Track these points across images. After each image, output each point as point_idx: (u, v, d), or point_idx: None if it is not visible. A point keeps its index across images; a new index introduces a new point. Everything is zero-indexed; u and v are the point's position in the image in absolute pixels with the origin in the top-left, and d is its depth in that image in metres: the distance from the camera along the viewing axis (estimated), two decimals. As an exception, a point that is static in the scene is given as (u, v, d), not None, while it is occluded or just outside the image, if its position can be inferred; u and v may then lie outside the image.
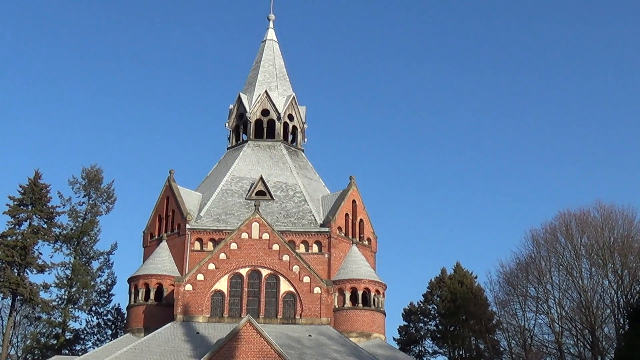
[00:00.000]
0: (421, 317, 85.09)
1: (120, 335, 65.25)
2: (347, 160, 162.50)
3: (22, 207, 71.72)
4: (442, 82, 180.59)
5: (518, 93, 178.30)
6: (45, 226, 72.32)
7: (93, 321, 77.60)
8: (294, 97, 74.55)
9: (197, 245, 60.77)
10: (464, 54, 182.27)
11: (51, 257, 77.98)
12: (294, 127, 74.19)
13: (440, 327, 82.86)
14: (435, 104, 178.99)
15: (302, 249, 60.86)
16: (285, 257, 57.88)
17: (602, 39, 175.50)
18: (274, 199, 64.39)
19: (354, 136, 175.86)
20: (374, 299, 59.92)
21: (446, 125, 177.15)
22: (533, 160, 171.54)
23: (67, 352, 73.43)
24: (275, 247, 58.13)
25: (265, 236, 58.29)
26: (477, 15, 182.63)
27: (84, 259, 77.12)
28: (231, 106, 74.80)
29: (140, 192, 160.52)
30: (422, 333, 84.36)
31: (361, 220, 65.43)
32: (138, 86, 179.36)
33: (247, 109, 72.79)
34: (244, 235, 58.12)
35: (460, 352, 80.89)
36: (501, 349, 76.11)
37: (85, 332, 77.05)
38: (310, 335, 54.01)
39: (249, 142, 71.53)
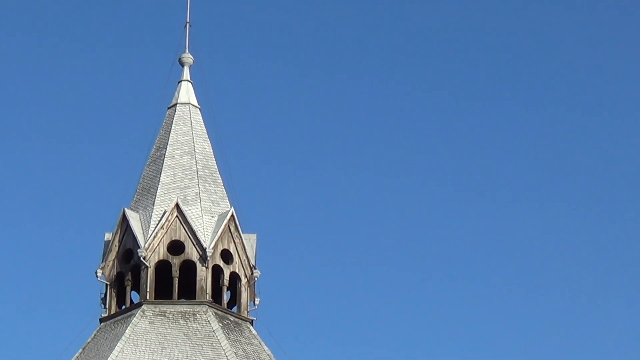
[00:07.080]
0: None
1: None
2: (335, 338, 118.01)
3: None
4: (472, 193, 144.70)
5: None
6: None
7: None
8: (233, 215, 48.11)
9: None
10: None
11: None
12: (234, 276, 47.80)
13: None
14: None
15: None
16: None
17: None
18: (196, 422, 44.62)
19: (343, 286, 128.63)
20: None
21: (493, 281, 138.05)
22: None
23: None
24: None
25: None
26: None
27: None
28: (107, 236, 48.75)
29: None
30: None
31: None
32: None
33: (141, 241, 47.44)
34: None
35: None
36: None
37: None
38: None
39: (144, 306, 46.19)
